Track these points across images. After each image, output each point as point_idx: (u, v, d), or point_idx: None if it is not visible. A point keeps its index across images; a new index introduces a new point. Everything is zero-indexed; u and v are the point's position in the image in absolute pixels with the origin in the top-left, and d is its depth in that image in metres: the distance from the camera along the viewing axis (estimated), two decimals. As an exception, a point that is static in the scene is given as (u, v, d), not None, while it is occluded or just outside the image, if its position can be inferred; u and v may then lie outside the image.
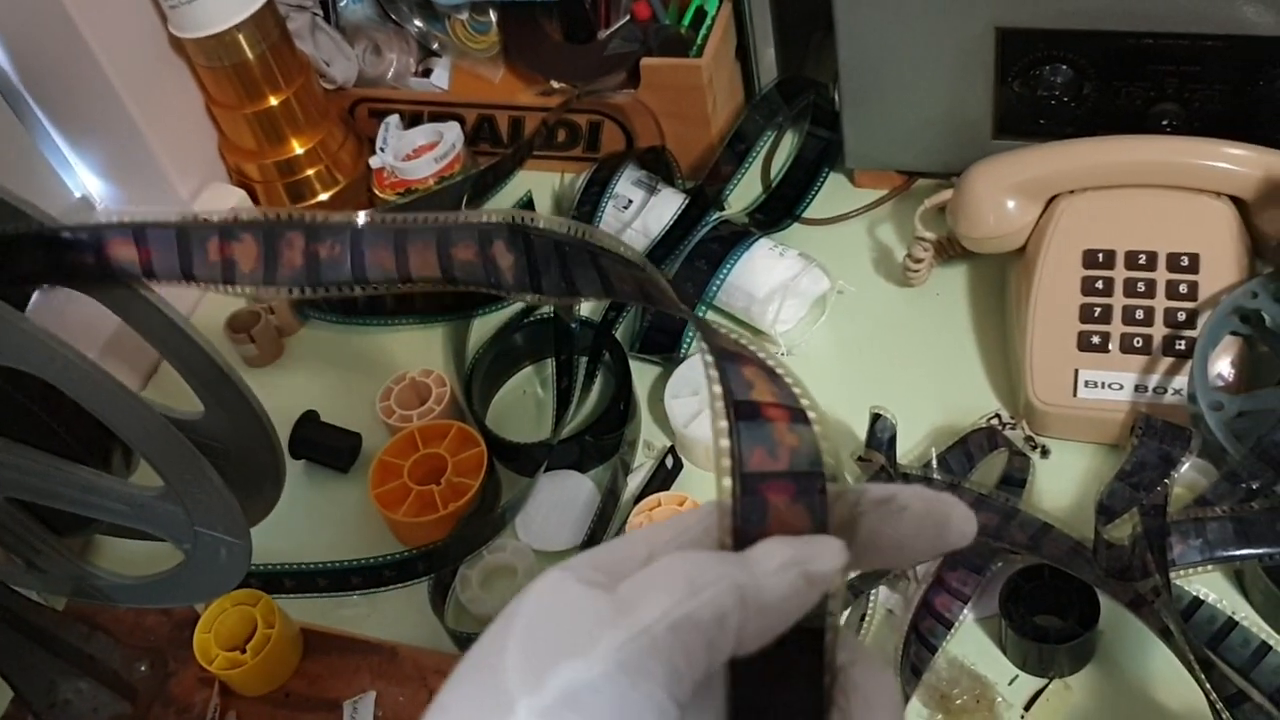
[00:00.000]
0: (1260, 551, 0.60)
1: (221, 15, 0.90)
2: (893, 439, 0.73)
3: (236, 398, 0.57)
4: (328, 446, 0.84)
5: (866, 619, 0.68)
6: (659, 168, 0.95)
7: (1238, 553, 0.60)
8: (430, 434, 0.80)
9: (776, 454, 0.30)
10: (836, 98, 0.89)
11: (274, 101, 0.95)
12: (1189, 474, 0.68)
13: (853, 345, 0.85)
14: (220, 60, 0.92)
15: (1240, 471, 0.62)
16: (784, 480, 0.30)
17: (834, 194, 0.94)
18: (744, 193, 0.94)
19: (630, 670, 0.26)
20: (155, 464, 0.52)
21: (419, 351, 0.89)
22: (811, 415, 0.31)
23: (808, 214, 0.93)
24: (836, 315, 0.86)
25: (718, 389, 0.30)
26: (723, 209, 0.93)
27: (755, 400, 0.30)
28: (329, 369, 0.92)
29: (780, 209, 0.93)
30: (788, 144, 0.98)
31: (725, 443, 0.29)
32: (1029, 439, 0.75)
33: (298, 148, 0.98)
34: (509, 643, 0.28)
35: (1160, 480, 0.61)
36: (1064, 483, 0.73)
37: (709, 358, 0.31)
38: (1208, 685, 0.56)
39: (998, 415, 0.77)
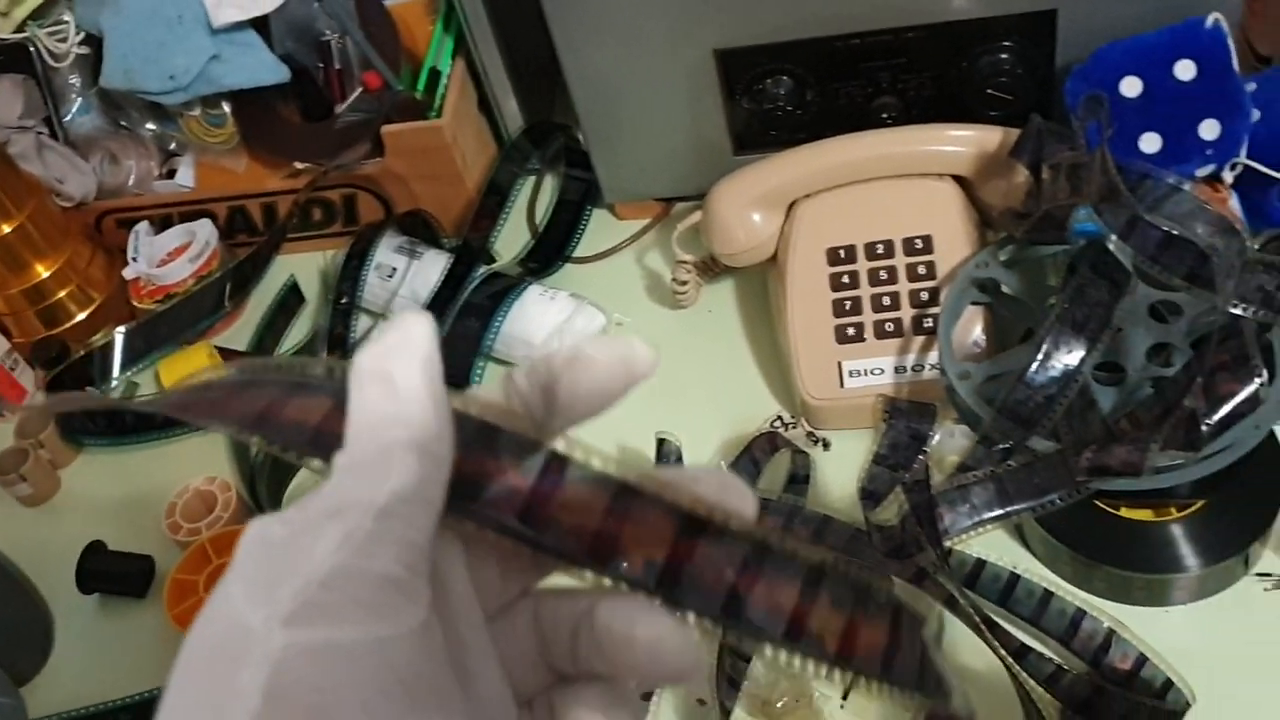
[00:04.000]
0: (1023, 506, 0.63)
1: (-70, 155, 0.86)
2: (679, 460, 0.74)
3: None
4: (119, 575, 0.81)
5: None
6: (421, 230, 0.94)
7: (1003, 511, 0.63)
8: (222, 543, 0.77)
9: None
10: (582, 138, 0.91)
11: (7, 229, 0.91)
12: (959, 442, 0.71)
13: (635, 374, 0.85)
14: (-60, 200, 0.88)
15: (993, 434, 0.66)
16: None
17: (600, 230, 0.95)
18: (514, 242, 0.95)
19: (361, 555, 0.26)
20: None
21: (202, 459, 0.86)
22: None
23: (577, 253, 0.94)
24: (616, 348, 0.87)
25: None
26: (493, 261, 0.93)
27: None
28: (110, 494, 0.88)
29: (550, 253, 0.94)
30: (549, 188, 0.99)
31: None
32: (810, 435, 0.77)
33: (43, 272, 0.94)
34: (233, 589, 0.26)
35: (916, 456, 0.64)
36: (847, 472, 0.75)
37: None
38: (995, 643, 0.59)
39: (779, 417, 0.79)
